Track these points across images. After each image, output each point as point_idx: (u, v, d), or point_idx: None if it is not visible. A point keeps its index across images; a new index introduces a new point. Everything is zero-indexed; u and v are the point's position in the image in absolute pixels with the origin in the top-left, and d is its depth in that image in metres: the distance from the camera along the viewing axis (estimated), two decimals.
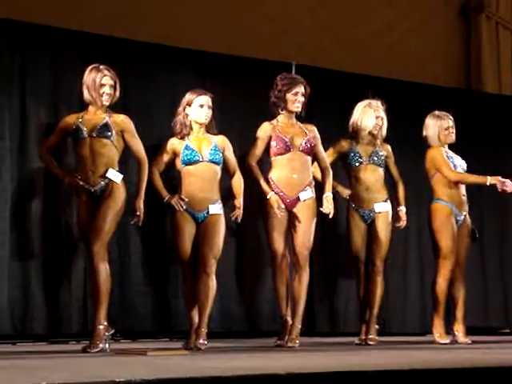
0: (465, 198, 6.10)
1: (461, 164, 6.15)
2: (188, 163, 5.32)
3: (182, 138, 5.36)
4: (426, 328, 7.23)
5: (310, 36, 7.69)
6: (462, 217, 6.10)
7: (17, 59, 5.71)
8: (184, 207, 5.28)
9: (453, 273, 6.06)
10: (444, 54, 8.65)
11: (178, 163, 5.37)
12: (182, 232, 5.29)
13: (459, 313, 6.13)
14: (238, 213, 5.42)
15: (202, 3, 7.30)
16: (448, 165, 6.06)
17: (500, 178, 5.93)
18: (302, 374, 3.27)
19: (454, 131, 6.14)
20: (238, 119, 6.43)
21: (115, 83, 5.12)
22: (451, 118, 6.15)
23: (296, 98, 5.57)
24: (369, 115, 5.93)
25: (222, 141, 5.42)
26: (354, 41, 7.95)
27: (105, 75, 5.08)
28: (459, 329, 6.09)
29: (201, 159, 5.32)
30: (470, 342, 6.00)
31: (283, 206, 5.48)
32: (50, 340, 5.74)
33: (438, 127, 6.12)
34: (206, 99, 5.34)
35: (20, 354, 4.79)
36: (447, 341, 6.00)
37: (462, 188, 6.12)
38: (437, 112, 6.17)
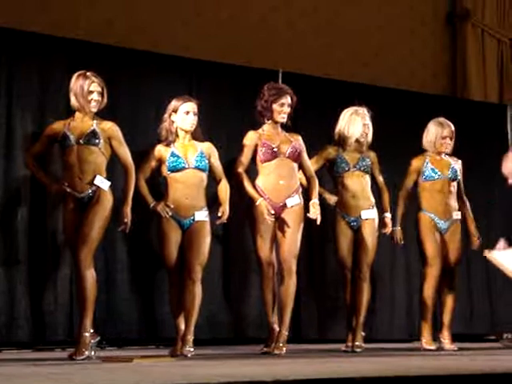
0: (450, 207, 6.11)
1: (450, 175, 6.14)
2: (174, 170, 5.32)
3: (168, 145, 5.36)
4: (413, 335, 7.26)
5: (296, 43, 7.70)
6: (448, 224, 6.11)
7: (3, 66, 5.70)
8: (170, 214, 5.27)
9: (441, 280, 6.10)
10: (431, 61, 8.69)
11: (164, 170, 5.36)
12: (168, 239, 5.29)
13: (446, 319, 6.16)
14: (223, 219, 5.41)
15: (190, 10, 7.30)
16: (408, 179, 6.15)
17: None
18: (288, 381, 3.27)
19: (452, 143, 6.17)
20: (224, 126, 6.43)
21: (103, 90, 5.11)
22: (453, 129, 6.18)
23: (282, 109, 5.58)
24: (356, 123, 5.95)
25: (208, 147, 5.42)
26: (341, 48, 7.98)
27: (93, 82, 5.07)
28: (445, 335, 6.12)
29: (187, 166, 5.32)
30: (455, 348, 6.03)
31: (273, 212, 5.49)
32: (35, 347, 5.72)
33: (437, 134, 6.15)
34: (191, 106, 5.34)
35: (5, 361, 4.76)
36: (433, 347, 6.02)
37: (448, 196, 6.13)
38: (441, 119, 6.22)
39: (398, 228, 6.16)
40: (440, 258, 6.08)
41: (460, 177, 6.27)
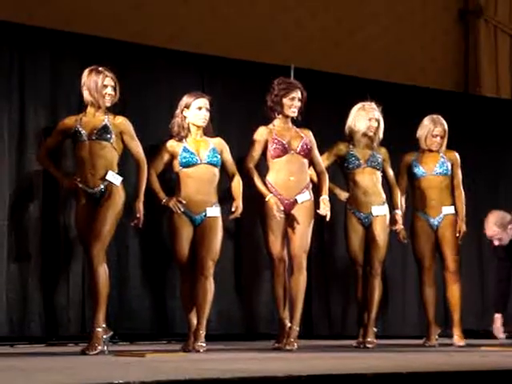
0: (440, 203, 6.08)
1: (438, 171, 6.13)
2: (186, 166, 5.33)
3: (180, 141, 5.37)
4: (425, 331, 7.25)
5: (308, 39, 7.70)
6: (438, 220, 6.10)
7: (16, 61, 5.71)
8: (182, 210, 5.28)
9: (443, 277, 6.11)
10: (442, 57, 8.66)
11: (176, 165, 5.37)
12: (180, 235, 5.30)
13: (455, 315, 6.13)
14: (237, 214, 5.42)
15: (202, 6, 7.31)
16: (400, 180, 6.14)
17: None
18: (300, 377, 3.28)
19: (443, 142, 6.15)
20: (236, 122, 6.43)
21: (116, 84, 5.13)
22: (446, 127, 6.16)
23: (292, 103, 5.58)
24: (361, 118, 5.94)
25: (219, 143, 5.43)
26: (353, 44, 7.97)
27: (106, 76, 5.09)
28: (455, 331, 6.11)
29: (199, 161, 5.32)
30: (463, 344, 5.99)
31: (282, 208, 5.49)
32: (48, 342, 5.73)
33: (428, 131, 6.15)
34: (204, 102, 5.35)
35: (18, 356, 4.79)
36: (431, 344, 6.05)
37: (438, 191, 6.10)
38: (434, 116, 6.20)
39: (401, 226, 6.14)
40: (431, 257, 6.10)
41: (456, 170, 6.20)
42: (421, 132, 6.19)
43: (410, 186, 6.26)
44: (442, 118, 6.19)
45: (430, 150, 6.16)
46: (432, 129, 6.14)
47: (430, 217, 6.12)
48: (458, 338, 6.10)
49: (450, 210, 6.12)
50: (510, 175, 7.91)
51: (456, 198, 6.20)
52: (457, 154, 6.25)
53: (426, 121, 6.18)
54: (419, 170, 6.14)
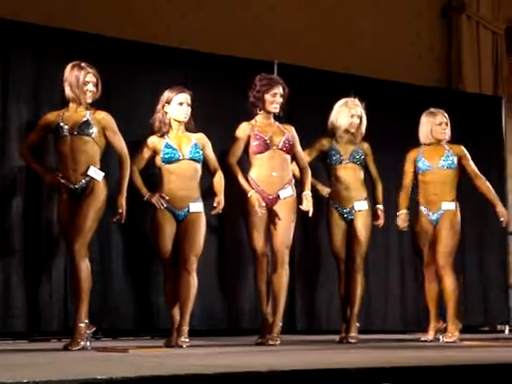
0: (441, 198, 6.10)
1: (442, 165, 6.15)
2: (168, 161, 5.32)
3: (162, 136, 5.37)
4: (407, 326, 7.30)
5: (293, 35, 7.70)
6: (437, 216, 6.11)
7: None
8: (164, 205, 5.28)
9: (436, 271, 6.11)
10: (426, 53, 8.69)
11: (158, 161, 5.37)
12: (163, 230, 5.29)
13: (449, 310, 6.09)
14: (219, 209, 5.42)
15: (186, 1, 7.29)
16: (406, 172, 6.17)
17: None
18: (283, 372, 3.29)
19: (449, 129, 6.18)
20: (220, 117, 6.42)
21: (97, 81, 5.12)
22: (446, 115, 6.19)
23: (274, 99, 5.59)
24: (343, 114, 5.96)
25: (201, 138, 5.43)
26: (338, 40, 7.97)
27: (88, 72, 5.08)
28: (447, 327, 6.09)
29: (181, 157, 5.32)
30: (452, 340, 5.96)
31: (264, 204, 5.50)
32: (31, 338, 5.72)
33: (431, 123, 6.16)
34: (185, 97, 5.35)
35: (0, 351, 4.77)
36: (426, 338, 6.04)
37: (441, 186, 6.12)
38: (431, 109, 6.22)
39: (405, 211, 6.15)
40: (427, 251, 6.11)
41: (467, 162, 6.19)
42: (423, 128, 6.18)
43: (414, 181, 6.25)
44: (439, 109, 6.19)
45: (436, 143, 6.15)
46: (433, 120, 6.15)
47: (429, 211, 6.13)
48: (446, 334, 6.08)
49: (450, 206, 6.09)
50: (494, 171, 7.95)
51: (481, 188, 6.17)
52: (463, 148, 6.24)
53: (424, 116, 6.18)
54: (424, 164, 6.15)
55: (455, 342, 5.92)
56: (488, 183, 6.22)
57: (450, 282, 6.05)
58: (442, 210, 6.09)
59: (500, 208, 6.15)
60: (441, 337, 6.07)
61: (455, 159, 6.16)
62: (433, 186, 6.12)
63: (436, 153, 6.16)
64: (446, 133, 6.17)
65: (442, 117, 6.18)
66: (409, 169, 6.21)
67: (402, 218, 6.16)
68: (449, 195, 6.12)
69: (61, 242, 5.51)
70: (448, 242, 6.06)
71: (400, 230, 6.23)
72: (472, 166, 6.23)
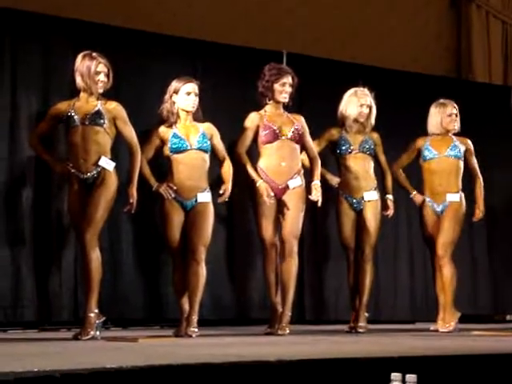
0: (446, 188, 6.08)
1: (448, 153, 6.14)
2: (176, 151, 5.32)
3: (170, 126, 5.37)
4: (416, 316, 7.29)
5: (301, 25, 7.68)
6: (442, 207, 6.11)
7: (7, 47, 5.68)
8: (172, 195, 5.29)
9: (435, 262, 6.11)
10: (435, 43, 8.66)
11: (166, 151, 5.37)
12: (171, 220, 5.30)
13: (447, 300, 6.10)
14: (225, 197, 5.40)
15: None
16: (406, 155, 6.21)
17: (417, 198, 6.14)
18: (292, 362, 3.30)
19: (459, 120, 6.18)
20: (229, 107, 6.42)
21: (109, 71, 5.10)
22: (455, 105, 6.19)
23: (283, 89, 5.59)
24: (353, 103, 5.95)
25: (208, 128, 5.43)
26: (346, 30, 7.95)
27: (100, 62, 5.07)
28: (440, 316, 6.10)
29: (189, 147, 5.32)
30: (448, 330, 5.96)
31: (272, 194, 5.50)
32: (41, 327, 5.74)
33: (441, 114, 6.16)
34: (192, 87, 5.34)
35: (11, 341, 4.80)
36: (438, 328, 6.04)
37: (447, 176, 6.12)
38: (441, 100, 6.22)
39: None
40: (431, 242, 6.14)
41: (471, 156, 6.22)
42: (433, 119, 6.18)
43: (418, 171, 6.25)
44: (449, 100, 6.20)
45: (444, 134, 6.15)
46: (444, 110, 6.16)
47: (435, 203, 6.13)
48: (441, 324, 6.08)
49: (455, 197, 6.09)
50: (504, 161, 7.93)
51: (475, 186, 6.23)
52: (469, 141, 6.26)
53: (434, 107, 6.19)
54: (430, 152, 6.15)
55: (451, 331, 5.94)
56: (482, 186, 6.25)
57: (448, 272, 6.06)
58: (447, 201, 6.09)
59: (480, 210, 6.18)
60: (431, 326, 6.08)
61: (462, 150, 6.17)
62: (438, 176, 6.12)
63: (443, 142, 6.17)
64: (456, 123, 6.17)
65: (452, 108, 6.17)
66: (411, 151, 6.23)
67: (417, 197, 6.17)
68: (454, 186, 6.12)
69: (71, 232, 5.53)
70: (449, 233, 6.07)
71: (417, 203, 6.21)
72: (474, 161, 6.27)
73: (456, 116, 6.18)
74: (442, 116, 6.16)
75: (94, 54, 5.08)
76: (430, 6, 8.65)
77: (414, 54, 8.30)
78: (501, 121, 8.07)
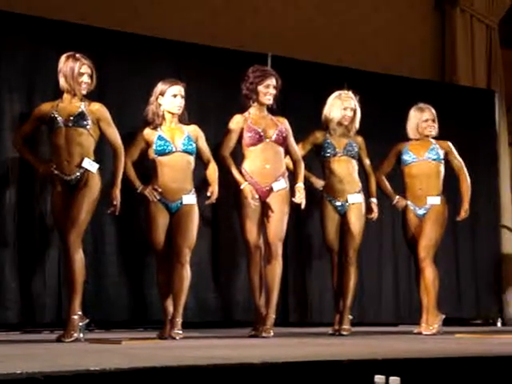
0: (427, 192, 6.11)
1: (427, 157, 6.16)
2: (161, 154, 5.32)
3: (155, 128, 5.37)
4: (400, 319, 7.32)
5: (286, 27, 7.68)
6: (423, 211, 6.13)
7: None
8: (157, 197, 5.28)
9: (418, 265, 6.14)
10: (419, 46, 8.68)
11: (151, 153, 5.36)
12: (156, 223, 5.29)
13: (429, 302, 6.12)
14: (212, 199, 5.42)
15: None
16: (386, 162, 6.24)
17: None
18: (276, 364, 3.30)
19: (436, 125, 6.20)
20: (213, 109, 6.43)
21: (92, 72, 5.10)
22: (433, 111, 6.22)
23: (267, 91, 5.59)
24: (336, 106, 5.97)
25: (194, 130, 5.43)
26: (331, 33, 7.96)
27: (83, 64, 5.06)
28: (424, 319, 6.13)
29: (174, 150, 5.32)
30: (431, 333, 5.97)
31: (257, 197, 5.50)
32: (24, 329, 5.72)
33: (418, 119, 6.20)
34: (178, 89, 5.34)
35: None
36: (421, 331, 6.06)
37: (426, 179, 6.14)
38: (420, 104, 6.25)
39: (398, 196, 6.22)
40: (414, 245, 6.17)
41: (452, 156, 6.24)
42: (410, 123, 6.23)
43: (400, 176, 6.28)
44: (428, 105, 6.23)
45: (423, 138, 6.18)
46: (420, 116, 6.20)
47: (416, 206, 6.16)
48: (424, 326, 6.10)
49: (436, 200, 6.12)
50: (486, 164, 7.97)
51: (462, 184, 6.24)
52: (450, 143, 6.29)
53: (413, 111, 6.24)
54: (410, 156, 6.18)
55: (435, 334, 5.96)
56: (469, 182, 6.25)
57: (430, 274, 6.09)
58: (428, 204, 6.12)
59: (465, 208, 6.20)
60: (415, 329, 6.11)
61: (441, 153, 6.20)
62: (418, 179, 6.16)
63: (422, 146, 6.21)
64: (433, 129, 6.20)
65: (429, 113, 6.20)
66: (391, 156, 6.27)
67: (400, 201, 6.19)
68: (434, 189, 6.15)
69: (54, 233, 5.51)
70: (431, 236, 6.11)
71: (399, 209, 6.25)
72: (457, 161, 6.28)
73: (433, 122, 6.21)
74: (419, 121, 6.20)
75: (77, 55, 5.07)
76: (414, 10, 8.68)
77: (398, 58, 8.32)
78: (484, 124, 8.12)
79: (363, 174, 6.13)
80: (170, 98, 5.33)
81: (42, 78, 5.74)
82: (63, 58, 5.09)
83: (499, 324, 7.90)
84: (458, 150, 6.36)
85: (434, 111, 6.23)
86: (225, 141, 5.60)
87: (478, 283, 7.83)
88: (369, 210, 6.08)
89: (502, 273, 8.12)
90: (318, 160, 6.11)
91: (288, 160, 5.74)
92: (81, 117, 5.04)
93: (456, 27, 8.75)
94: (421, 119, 6.20)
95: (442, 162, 6.22)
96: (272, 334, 5.46)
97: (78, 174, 5.01)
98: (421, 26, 8.72)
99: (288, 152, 5.71)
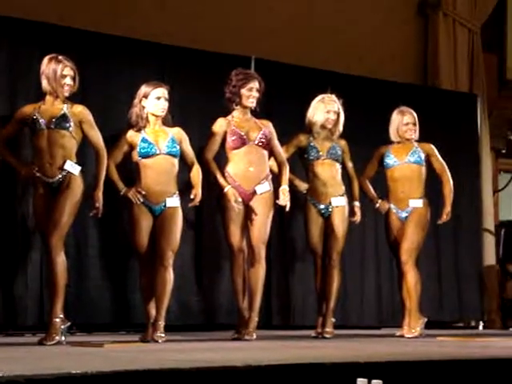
0: (409, 195, 6.14)
1: (409, 160, 6.19)
2: (145, 156, 5.31)
3: (139, 131, 5.36)
4: (382, 322, 7.33)
5: (269, 30, 7.69)
6: (405, 214, 6.16)
7: None
8: (141, 200, 5.27)
9: (400, 268, 6.15)
10: (402, 50, 8.71)
11: (135, 156, 5.35)
12: (139, 225, 5.28)
13: (411, 305, 6.13)
14: (196, 202, 5.41)
15: None
16: (369, 165, 6.28)
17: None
18: (259, 367, 3.30)
19: (416, 129, 6.23)
20: (197, 112, 6.42)
21: (75, 74, 5.09)
22: (414, 115, 6.25)
23: (251, 94, 5.60)
24: (320, 110, 5.98)
25: (178, 133, 5.42)
26: (314, 37, 7.98)
27: (66, 66, 5.04)
28: (406, 322, 6.14)
29: (158, 152, 5.31)
30: (413, 336, 5.98)
31: (240, 200, 5.50)
32: (5, 332, 5.69)
33: (399, 122, 6.23)
34: (162, 91, 5.33)
35: None
36: (403, 334, 6.07)
37: (408, 182, 6.16)
38: (402, 107, 6.28)
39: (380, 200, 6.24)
40: (396, 249, 6.20)
41: (434, 158, 6.27)
42: (392, 126, 6.27)
43: (383, 179, 6.30)
44: (409, 108, 6.26)
45: (404, 141, 6.21)
46: (401, 119, 6.23)
47: (398, 209, 6.18)
48: (407, 329, 6.12)
49: (418, 203, 6.15)
50: (468, 167, 8.01)
51: (444, 185, 6.26)
52: (432, 146, 6.32)
53: (394, 114, 6.28)
54: (392, 159, 6.21)
55: (417, 337, 5.97)
56: (451, 185, 6.27)
57: (412, 278, 6.12)
58: (411, 207, 6.14)
59: (447, 211, 6.22)
60: (397, 332, 6.13)
61: (423, 156, 6.23)
62: (401, 182, 6.19)
63: (403, 149, 6.24)
64: (413, 133, 6.22)
65: (410, 116, 6.23)
66: (374, 160, 6.30)
67: (382, 204, 6.22)
68: (416, 192, 6.18)
69: (36, 236, 5.48)
70: (413, 239, 6.14)
71: (382, 212, 6.28)
72: (439, 162, 6.31)
73: (414, 125, 6.23)
74: (399, 124, 6.23)
75: (60, 58, 5.05)
76: (397, 14, 8.71)
77: (381, 62, 8.34)
78: (466, 128, 8.16)
79: (347, 178, 6.14)
80: (153, 100, 5.33)
81: (24, 80, 5.71)
82: (46, 59, 5.08)
83: (481, 327, 7.93)
84: (440, 153, 6.39)
85: (415, 115, 6.26)
86: (208, 144, 5.60)
87: (459, 286, 7.86)
88: (352, 213, 6.09)
89: (484, 276, 8.14)
90: (301, 163, 6.12)
91: (272, 162, 5.74)
92: (63, 119, 5.02)
93: (438, 31, 8.79)
94: (401, 122, 6.23)
95: (424, 164, 6.24)
96: (255, 336, 5.46)
97: (60, 176, 4.99)
98: (403, 30, 8.75)
99: (272, 154, 5.71)
